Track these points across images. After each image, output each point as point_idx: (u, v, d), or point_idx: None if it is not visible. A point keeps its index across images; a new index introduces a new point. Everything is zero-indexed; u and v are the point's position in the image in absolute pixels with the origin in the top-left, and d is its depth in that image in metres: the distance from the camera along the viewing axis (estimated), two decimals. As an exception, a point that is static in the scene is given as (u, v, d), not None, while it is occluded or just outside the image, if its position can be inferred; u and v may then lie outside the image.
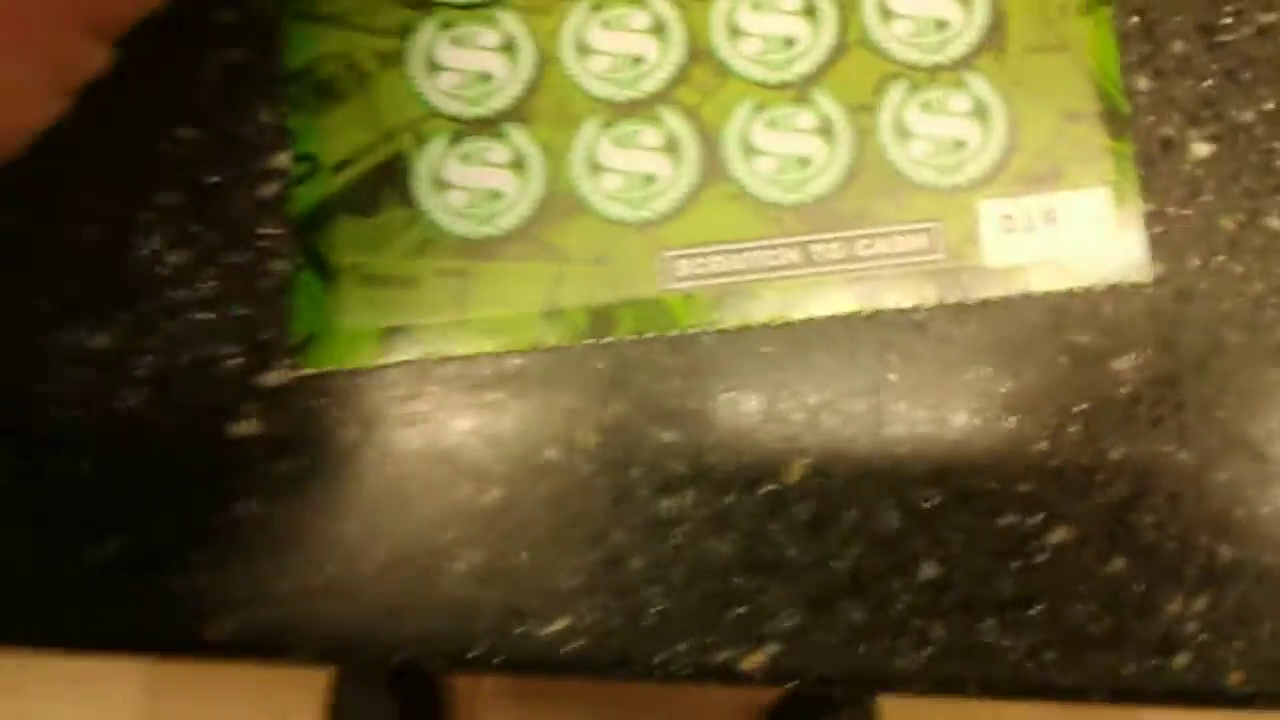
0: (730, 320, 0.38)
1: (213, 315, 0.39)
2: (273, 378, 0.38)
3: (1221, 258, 0.38)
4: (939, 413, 0.38)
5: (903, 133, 0.38)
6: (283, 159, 0.39)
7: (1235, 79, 0.39)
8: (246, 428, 0.38)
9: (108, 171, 0.39)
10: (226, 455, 0.38)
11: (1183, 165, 0.38)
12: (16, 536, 0.38)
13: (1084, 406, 0.38)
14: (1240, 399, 0.38)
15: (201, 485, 0.38)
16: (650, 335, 0.38)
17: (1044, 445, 0.37)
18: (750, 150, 0.39)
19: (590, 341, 0.38)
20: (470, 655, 0.37)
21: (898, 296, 0.38)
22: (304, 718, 1.20)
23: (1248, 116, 0.39)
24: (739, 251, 0.38)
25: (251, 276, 0.39)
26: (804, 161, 0.38)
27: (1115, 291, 0.38)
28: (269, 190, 0.39)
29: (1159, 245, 0.38)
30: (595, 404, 0.38)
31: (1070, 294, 0.38)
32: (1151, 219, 0.38)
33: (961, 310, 0.38)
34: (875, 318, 0.38)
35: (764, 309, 0.38)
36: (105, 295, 0.39)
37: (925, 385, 0.38)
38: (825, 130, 0.38)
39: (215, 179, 0.39)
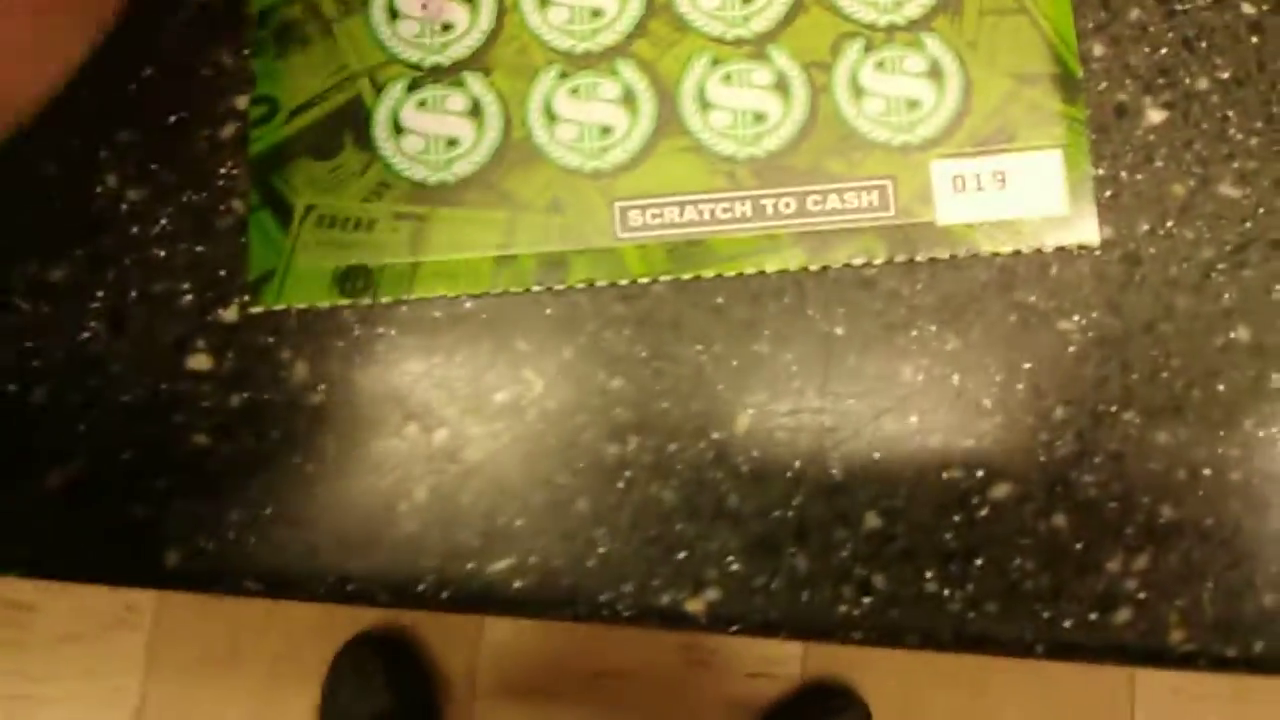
0: (682, 271, 0.38)
1: (170, 251, 0.39)
2: (227, 314, 0.39)
3: (1171, 223, 0.38)
4: (884, 369, 0.38)
5: (857, 91, 0.39)
6: (242, 101, 0.40)
7: (1191, 47, 0.39)
8: (200, 362, 0.39)
9: (69, 109, 0.40)
10: (180, 388, 0.39)
11: (1135, 131, 0.39)
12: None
13: (1029, 365, 0.38)
14: (1186, 362, 0.38)
15: (155, 417, 0.38)
16: (602, 283, 0.38)
17: (988, 402, 0.38)
18: (705, 104, 0.39)
19: (542, 288, 0.38)
20: (418, 590, 0.38)
21: (848, 252, 0.38)
22: (299, 711, 1.19)
23: (1202, 84, 0.39)
24: (692, 203, 0.39)
25: (209, 215, 0.39)
26: (759, 117, 0.39)
27: (1064, 254, 0.38)
28: (228, 131, 0.40)
29: (1110, 209, 0.38)
30: (544, 350, 0.39)
31: (1019, 255, 0.38)
32: (1103, 183, 0.39)
33: (910, 268, 0.38)
34: (825, 273, 0.38)
35: (716, 262, 0.38)
36: (64, 229, 0.39)
37: (872, 341, 0.38)
38: (781, 86, 0.39)
39: (175, 118, 0.40)
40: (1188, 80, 0.39)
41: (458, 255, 0.38)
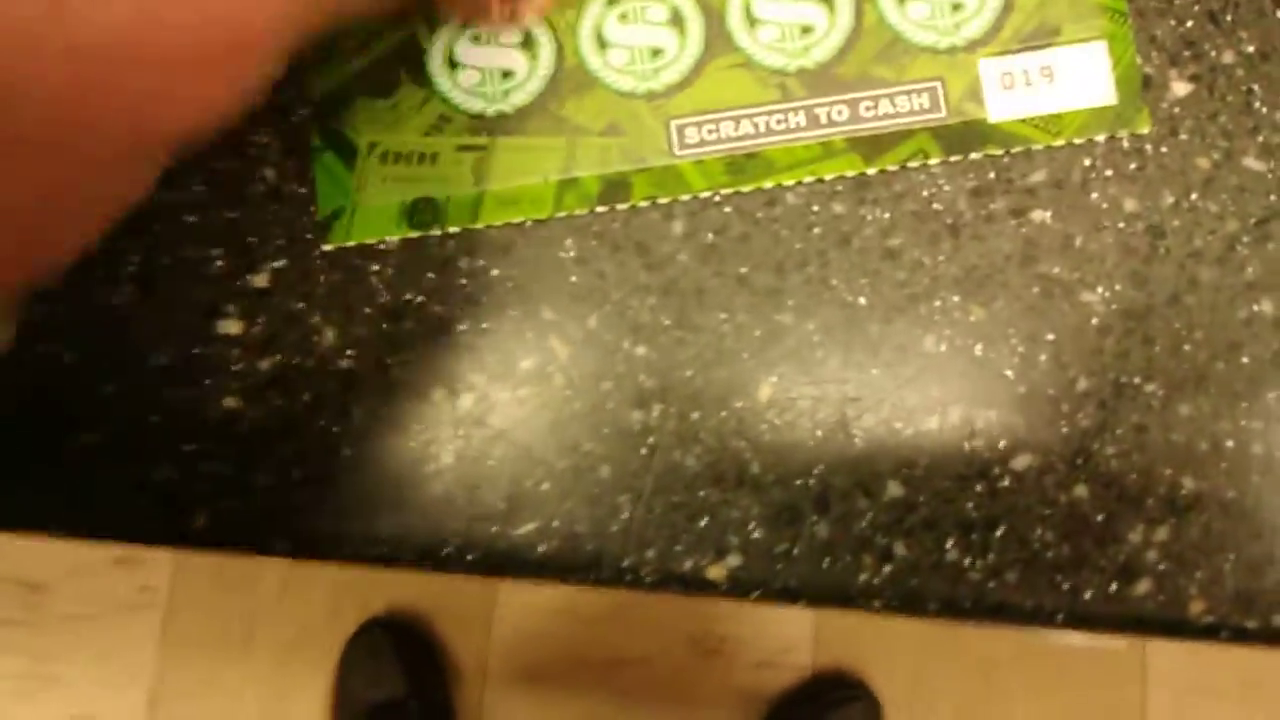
0: (742, 183, 0.39)
1: (201, 218, 0.40)
2: (258, 280, 0.39)
3: (1196, 196, 0.38)
4: (907, 339, 0.38)
5: None
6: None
7: (1216, 21, 0.39)
8: (230, 326, 0.39)
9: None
10: (210, 351, 0.39)
11: (1161, 104, 0.39)
12: (2, 422, 0.39)
13: (1052, 337, 0.38)
14: (1208, 335, 0.38)
15: (185, 380, 0.39)
16: (664, 200, 0.39)
17: (1010, 373, 0.38)
18: (753, 20, 0.40)
19: (604, 209, 0.39)
20: (443, 552, 0.38)
21: (904, 154, 0.39)
22: (312, 695, 1.20)
23: (1227, 58, 0.39)
24: (747, 117, 0.39)
25: (240, 182, 0.40)
26: (806, 29, 0.39)
27: (1090, 224, 0.38)
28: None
29: (1135, 181, 0.38)
30: (569, 317, 0.39)
31: (1044, 227, 0.38)
32: (1128, 155, 0.39)
33: (934, 237, 0.39)
34: (849, 245, 0.39)
35: (774, 172, 0.39)
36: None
37: (895, 311, 0.38)
38: None
39: (206, 86, 0.40)
40: (1213, 53, 0.39)
41: (521, 182, 0.39)
